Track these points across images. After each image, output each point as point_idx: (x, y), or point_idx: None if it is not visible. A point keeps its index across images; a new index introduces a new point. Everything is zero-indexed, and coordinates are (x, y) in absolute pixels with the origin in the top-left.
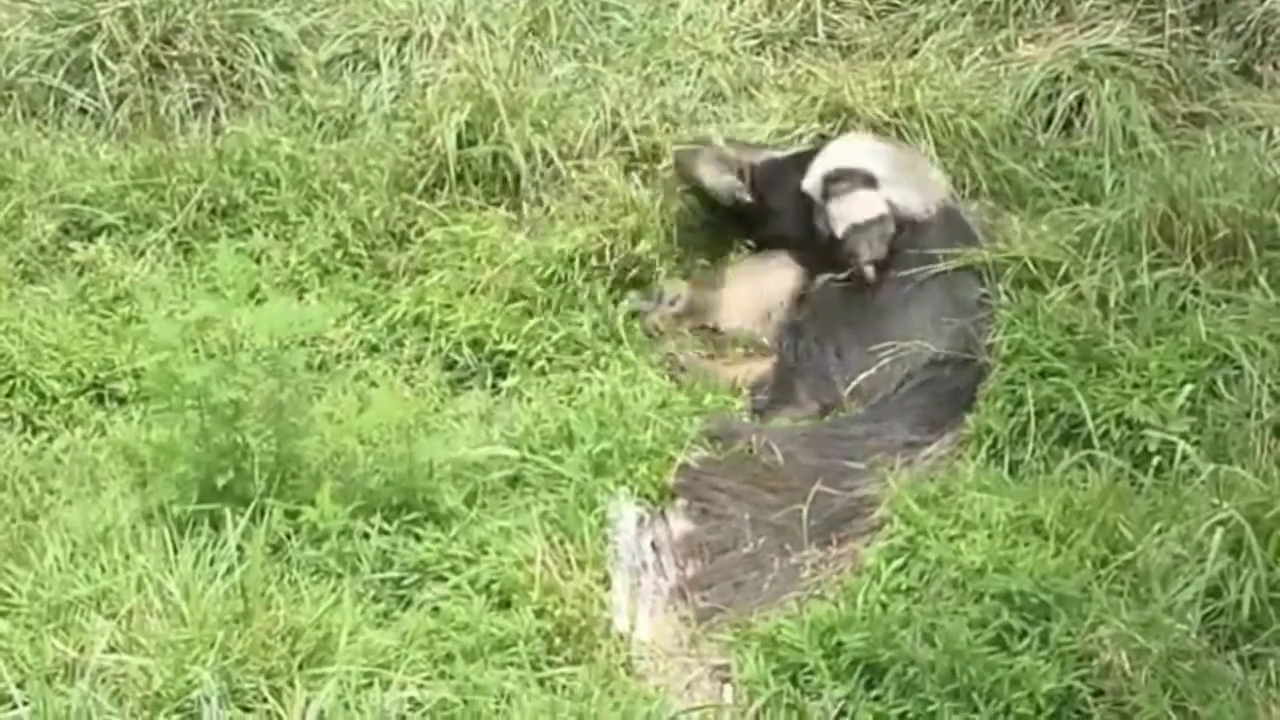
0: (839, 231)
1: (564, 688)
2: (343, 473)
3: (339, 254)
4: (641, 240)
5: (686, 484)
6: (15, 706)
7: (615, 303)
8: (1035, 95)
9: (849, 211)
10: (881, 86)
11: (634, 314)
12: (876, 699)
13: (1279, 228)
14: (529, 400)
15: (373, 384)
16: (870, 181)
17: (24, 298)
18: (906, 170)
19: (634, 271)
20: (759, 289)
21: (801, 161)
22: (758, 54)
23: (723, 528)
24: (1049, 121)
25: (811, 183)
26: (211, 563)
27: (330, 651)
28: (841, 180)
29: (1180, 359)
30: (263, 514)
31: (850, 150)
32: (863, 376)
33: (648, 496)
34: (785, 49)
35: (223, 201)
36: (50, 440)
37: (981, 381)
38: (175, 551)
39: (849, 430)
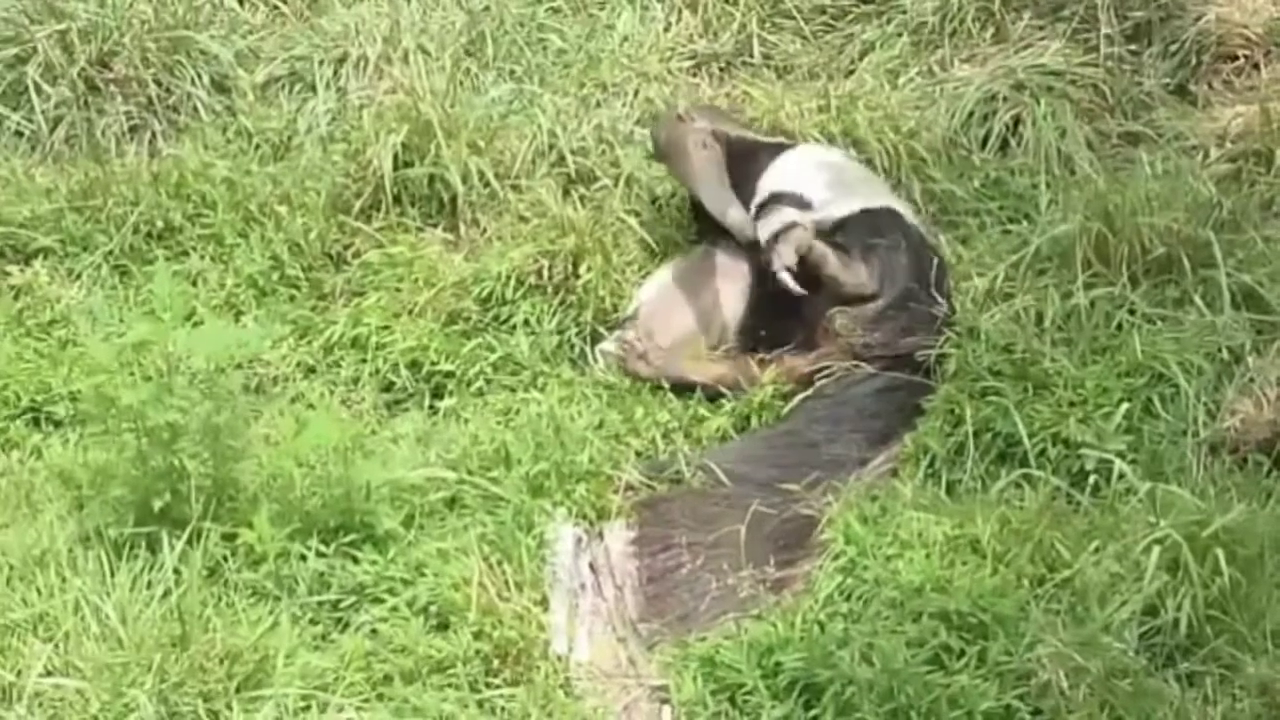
0: (762, 239)
1: (503, 709)
2: (280, 495)
3: (276, 276)
4: (580, 261)
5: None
6: None
7: (559, 330)
8: (971, 115)
9: (769, 223)
10: (818, 107)
11: (620, 360)
12: (814, 719)
13: (1214, 246)
14: (466, 421)
15: (310, 406)
16: (804, 204)
17: None
18: (853, 185)
19: (573, 293)
20: (710, 297)
21: (773, 153)
22: (694, 75)
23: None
24: (985, 141)
25: (758, 198)
26: (148, 586)
27: (268, 674)
28: (774, 202)
29: (1116, 378)
30: (199, 537)
31: (797, 166)
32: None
33: (585, 517)
34: (721, 70)
35: (159, 224)
36: None
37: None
38: (112, 574)
39: (804, 439)
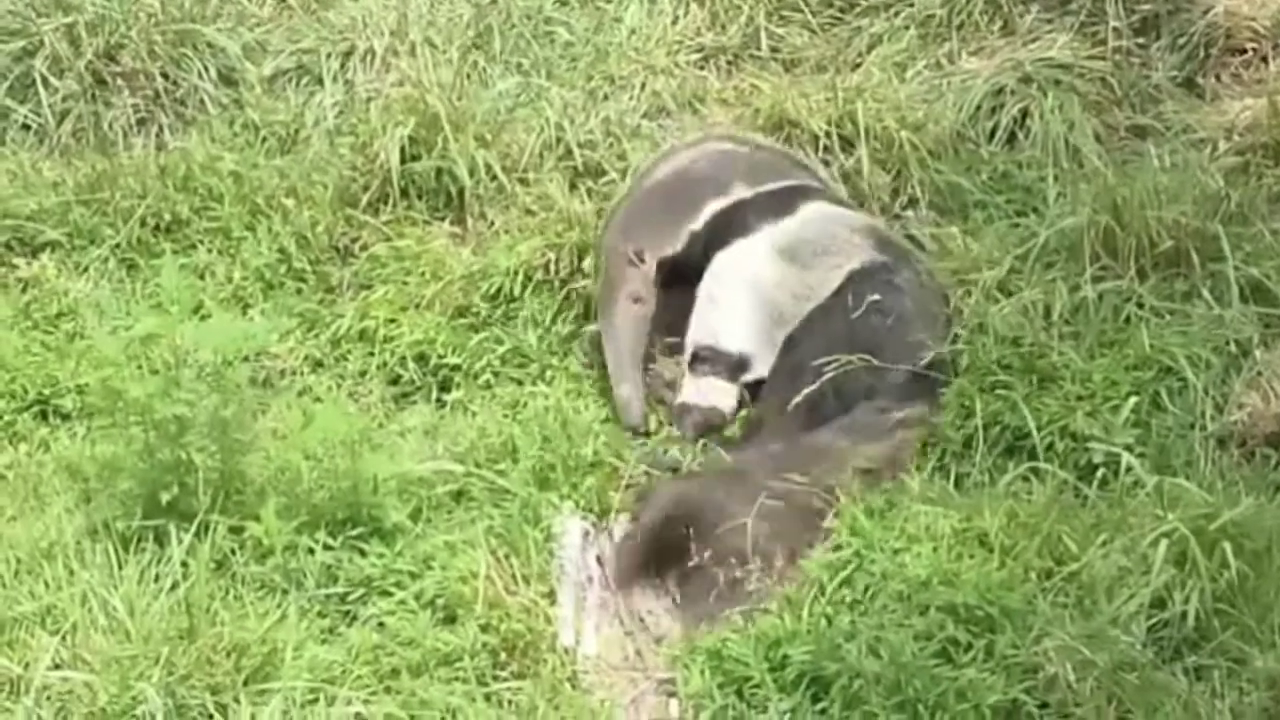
0: (681, 398)
1: (510, 702)
2: (287, 488)
3: (283, 269)
4: (586, 255)
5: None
6: None
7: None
8: (979, 108)
9: (693, 389)
10: (825, 99)
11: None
12: (822, 712)
13: (1222, 240)
14: (473, 414)
15: (317, 399)
16: (732, 366)
17: None
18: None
19: (580, 286)
20: None
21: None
22: (701, 68)
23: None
24: (992, 134)
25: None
26: (156, 579)
27: (275, 667)
28: (700, 363)
29: (1124, 371)
30: (207, 530)
31: (729, 309)
32: (812, 387)
33: (592, 510)
34: (729, 63)
35: (166, 217)
36: None
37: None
38: (120, 567)
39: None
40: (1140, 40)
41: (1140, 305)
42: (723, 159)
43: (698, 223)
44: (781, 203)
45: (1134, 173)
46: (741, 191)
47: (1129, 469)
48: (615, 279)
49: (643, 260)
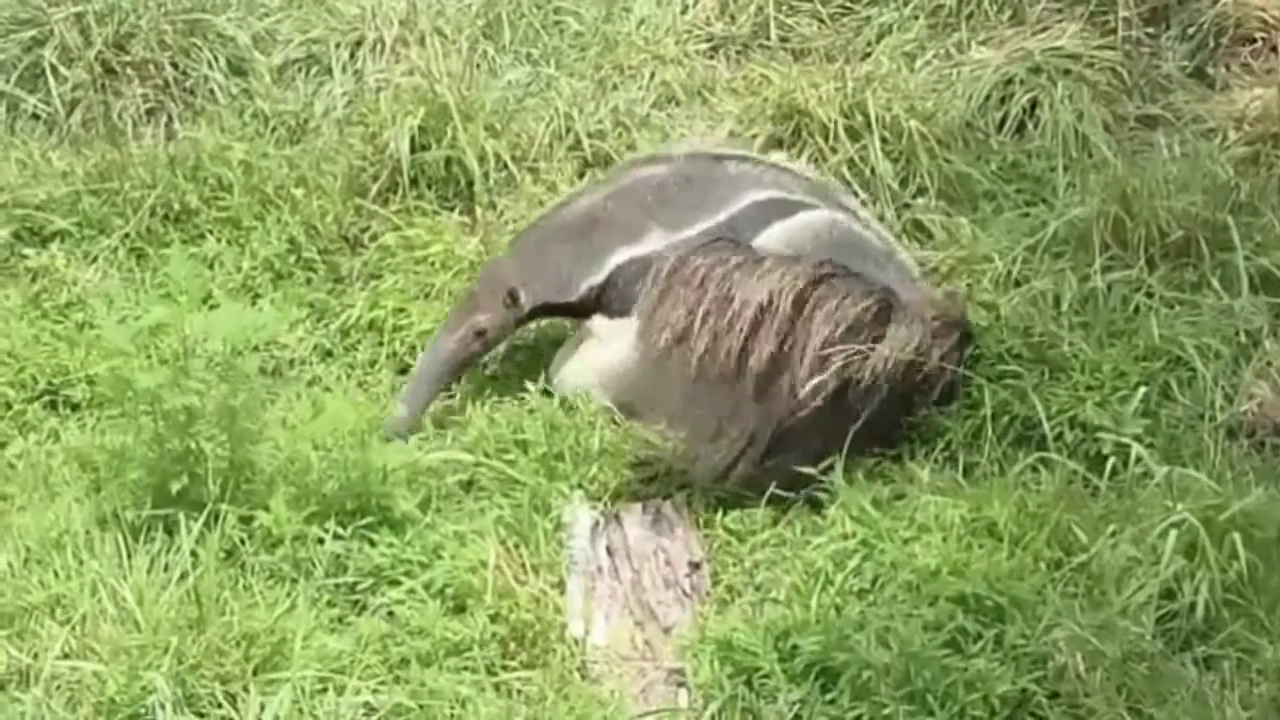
0: None
1: (519, 692)
2: (297, 478)
3: (292, 259)
4: None
5: None
6: None
7: None
8: (988, 98)
9: None
10: (834, 89)
11: None
12: (831, 702)
13: (1232, 230)
14: (482, 404)
15: (326, 389)
16: None
17: None
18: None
19: None
20: None
21: None
22: (711, 57)
23: None
24: (1002, 124)
25: None
26: (165, 568)
27: (285, 657)
28: None
29: (1134, 361)
30: (217, 520)
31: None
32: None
33: (600, 498)
34: (738, 52)
35: (176, 207)
36: (3, 446)
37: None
38: (129, 557)
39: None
40: (1150, 30)
41: (1150, 295)
42: (642, 195)
43: (600, 275)
44: None
45: (1144, 162)
46: (653, 241)
47: (1138, 459)
48: (475, 305)
49: (516, 303)
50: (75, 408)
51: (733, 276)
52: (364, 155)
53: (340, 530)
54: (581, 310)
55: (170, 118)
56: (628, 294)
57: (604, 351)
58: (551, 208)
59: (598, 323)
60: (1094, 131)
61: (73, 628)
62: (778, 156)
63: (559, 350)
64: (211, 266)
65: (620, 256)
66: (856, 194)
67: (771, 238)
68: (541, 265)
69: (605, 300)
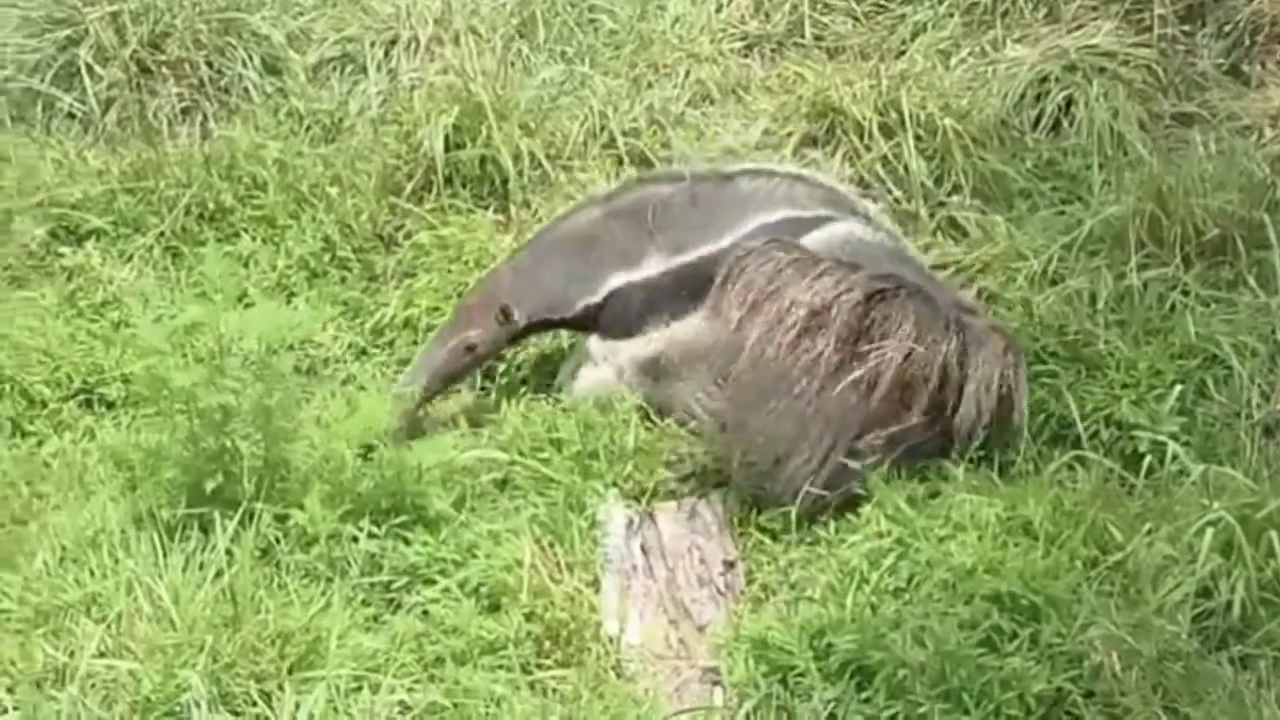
0: None
1: (554, 691)
2: (331, 476)
3: (327, 257)
4: None
5: None
6: (5, 711)
7: None
8: (1023, 95)
9: None
10: (869, 87)
11: None
12: (867, 701)
13: (1268, 228)
14: (517, 403)
15: (361, 388)
16: None
17: (12, 303)
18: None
19: None
20: None
21: None
22: (745, 56)
23: None
24: (1037, 122)
25: None
26: (200, 567)
27: (319, 655)
28: None
29: (1170, 359)
30: (251, 518)
31: None
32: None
33: (635, 497)
34: (773, 50)
35: (211, 206)
36: (39, 445)
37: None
38: (164, 556)
39: None
40: (1185, 27)
41: (1185, 293)
42: (644, 217)
43: (597, 296)
44: (695, 283)
45: (1179, 160)
46: (652, 266)
47: (1174, 457)
48: (468, 319)
49: (509, 319)
50: (110, 406)
51: (787, 277)
52: (398, 154)
53: (375, 529)
54: (579, 325)
55: (205, 117)
56: (625, 316)
57: (599, 373)
58: (551, 222)
59: (594, 344)
60: (1129, 129)
61: (108, 626)
62: (793, 166)
63: (563, 366)
64: (246, 265)
65: (618, 280)
66: (875, 198)
67: None
68: (537, 281)
69: (603, 320)
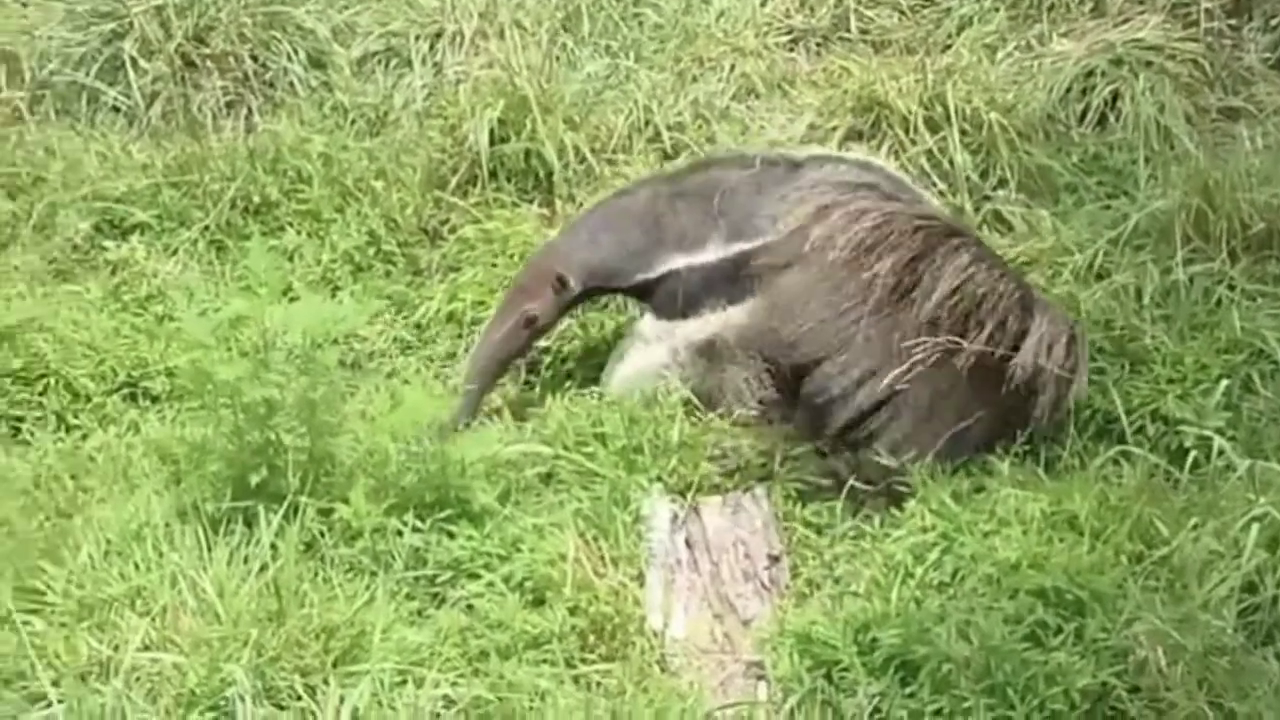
0: None
1: (598, 685)
2: (376, 470)
3: (371, 251)
4: None
5: None
6: (50, 704)
7: None
8: (1069, 90)
9: None
10: (914, 81)
11: None
12: (911, 695)
13: None
14: (562, 397)
15: (405, 381)
16: None
17: (57, 296)
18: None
19: None
20: None
21: None
22: (790, 50)
23: None
24: (1083, 116)
25: None
26: (245, 560)
27: (364, 649)
28: None
29: (1215, 354)
30: (296, 512)
31: None
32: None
33: (680, 491)
34: (818, 44)
35: (255, 199)
36: (84, 438)
37: None
38: (209, 549)
39: None
40: (1232, 22)
41: (1232, 288)
42: (710, 201)
43: (656, 271)
44: (754, 270)
45: (1225, 155)
46: (712, 251)
47: (1220, 452)
48: (524, 293)
49: (565, 287)
50: (155, 400)
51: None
52: (443, 148)
53: (419, 523)
54: (630, 294)
55: (250, 110)
56: (682, 298)
57: (652, 353)
58: (609, 196)
59: (648, 325)
60: (1176, 124)
61: (153, 620)
62: (862, 154)
63: (608, 361)
64: (291, 259)
65: (677, 262)
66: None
67: None
68: (595, 252)
69: (656, 300)
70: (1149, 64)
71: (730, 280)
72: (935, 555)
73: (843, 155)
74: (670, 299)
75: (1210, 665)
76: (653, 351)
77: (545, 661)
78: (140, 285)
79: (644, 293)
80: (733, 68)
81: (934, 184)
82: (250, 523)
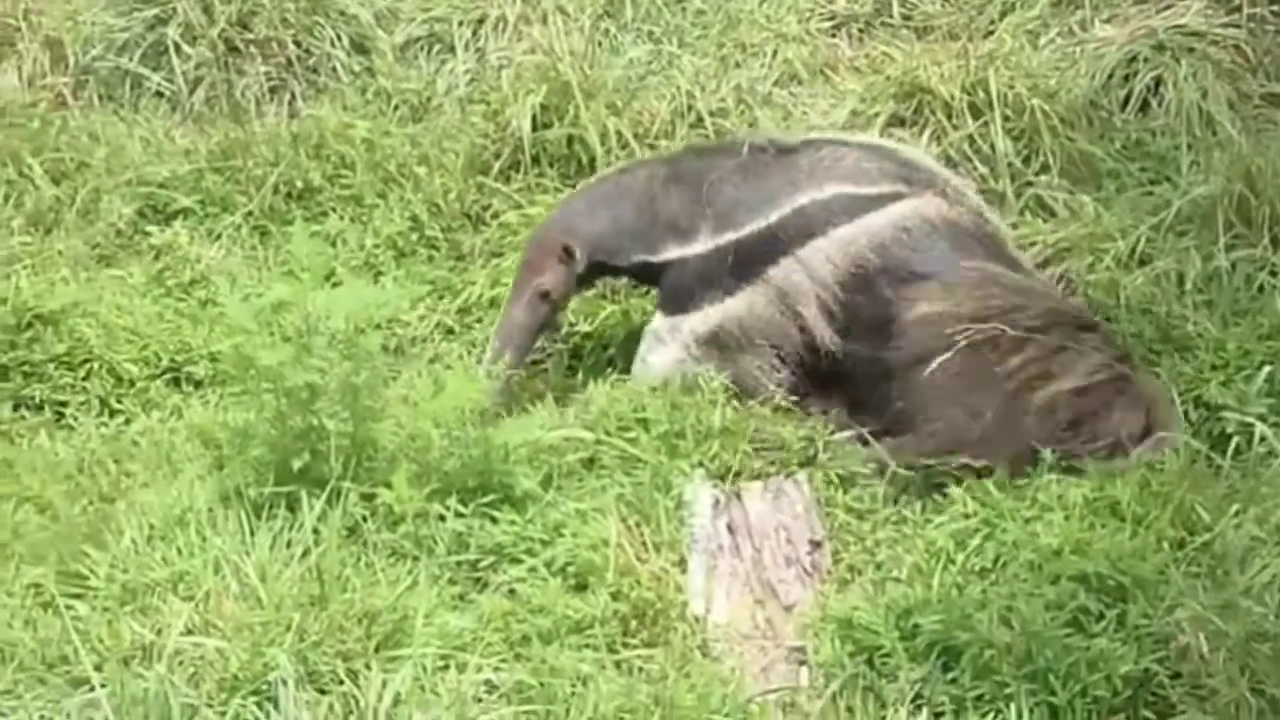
0: None
1: (640, 670)
2: (418, 455)
3: (414, 236)
4: None
5: None
6: (92, 689)
7: None
8: (1111, 76)
9: None
10: (957, 67)
11: None
12: (953, 681)
13: None
14: (604, 382)
15: (447, 367)
16: None
17: (101, 281)
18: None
19: None
20: None
21: None
22: (833, 35)
23: None
24: (1125, 102)
25: None
26: (288, 545)
27: (406, 634)
28: None
29: (1258, 340)
30: (338, 497)
31: None
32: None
33: (721, 476)
34: (860, 30)
35: (298, 185)
36: (127, 423)
37: None
38: (252, 534)
39: None
40: (1274, 7)
41: (1274, 274)
42: (699, 189)
43: (655, 256)
44: (745, 259)
45: (1268, 141)
46: (701, 242)
47: (1262, 438)
48: (533, 269)
49: (572, 257)
50: (198, 385)
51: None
52: (486, 133)
53: (461, 508)
54: (632, 275)
55: (293, 95)
56: (681, 290)
57: (668, 352)
58: (609, 171)
59: (657, 324)
60: (1218, 109)
61: (196, 604)
62: (869, 138)
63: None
64: (334, 244)
65: (671, 253)
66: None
67: (837, 239)
68: (594, 224)
69: (661, 293)
70: (1191, 50)
71: (724, 271)
72: (977, 541)
73: (845, 139)
74: (672, 293)
75: (1252, 651)
76: (668, 350)
77: (587, 646)
78: (183, 270)
79: (645, 276)
80: (775, 53)
81: (976, 169)
82: (293, 507)
